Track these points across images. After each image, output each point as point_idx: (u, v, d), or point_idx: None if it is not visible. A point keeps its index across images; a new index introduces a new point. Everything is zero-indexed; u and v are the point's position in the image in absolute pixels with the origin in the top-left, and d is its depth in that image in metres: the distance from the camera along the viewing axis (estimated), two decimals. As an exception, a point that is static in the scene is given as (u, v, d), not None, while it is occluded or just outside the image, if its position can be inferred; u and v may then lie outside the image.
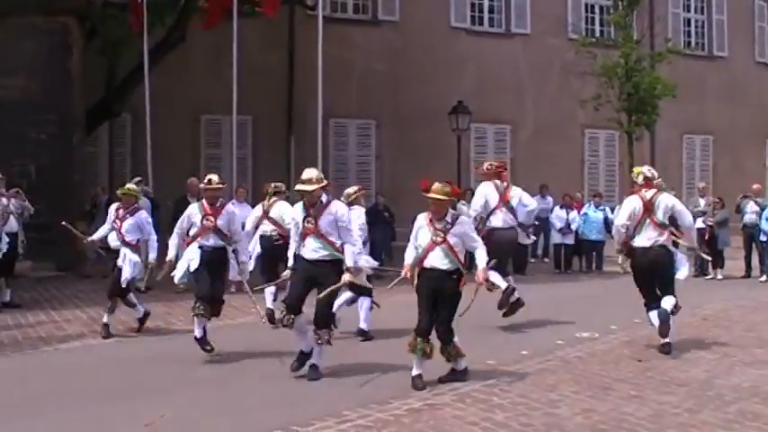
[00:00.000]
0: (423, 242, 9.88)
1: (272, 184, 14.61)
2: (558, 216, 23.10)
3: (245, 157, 26.64)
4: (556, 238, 23.31)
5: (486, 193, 13.73)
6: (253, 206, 18.61)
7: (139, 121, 21.76)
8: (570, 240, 22.89)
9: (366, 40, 29.30)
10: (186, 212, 11.89)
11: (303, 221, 10.20)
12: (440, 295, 9.75)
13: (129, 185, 13.96)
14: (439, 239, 9.77)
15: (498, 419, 8.40)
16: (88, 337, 13.24)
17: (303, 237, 10.20)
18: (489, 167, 14.13)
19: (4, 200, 15.84)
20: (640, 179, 12.16)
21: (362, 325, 13.04)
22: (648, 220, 11.81)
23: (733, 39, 36.20)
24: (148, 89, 20.14)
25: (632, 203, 11.99)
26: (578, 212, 23.07)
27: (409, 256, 10.00)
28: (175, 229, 11.91)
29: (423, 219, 10.04)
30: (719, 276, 20.95)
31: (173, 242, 11.82)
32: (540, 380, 10.06)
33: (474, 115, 27.41)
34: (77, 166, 21.40)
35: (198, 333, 11.25)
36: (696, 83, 33.26)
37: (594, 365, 10.93)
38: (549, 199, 24.63)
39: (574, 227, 22.79)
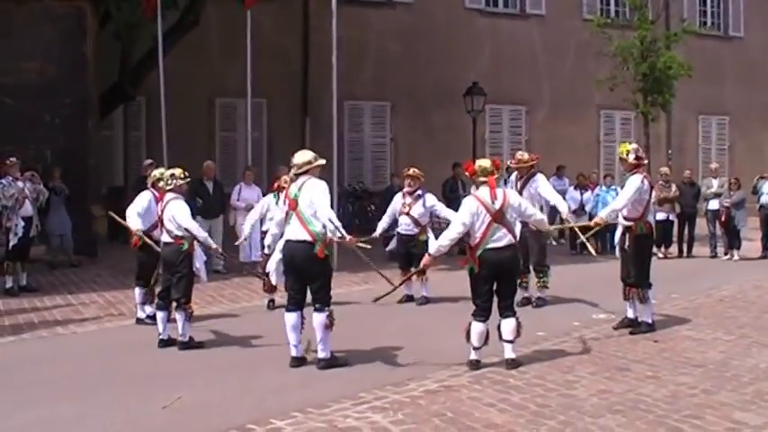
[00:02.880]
0: None
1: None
2: (572, 197, 22.92)
3: (260, 139, 26.62)
4: (570, 219, 23.12)
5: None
6: (263, 189, 18.63)
7: (154, 105, 21.73)
8: (584, 221, 22.72)
9: (381, 22, 29.20)
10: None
11: None
12: None
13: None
14: None
15: (515, 401, 8.41)
16: (104, 320, 13.30)
17: None
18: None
19: (20, 183, 15.88)
20: (632, 158, 12.01)
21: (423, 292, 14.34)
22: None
23: (749, 19, 36.04)
24: (163, 72, 20.12)
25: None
26: (593, 193, 22.91)
27: None
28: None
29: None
30: (736, 257, 20.86)
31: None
32: (557, 361, 10.06)
33: (489, 96, 27.29)
34: (93, 150, 21.40)
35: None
36: (712, 63, 33.10)
37: (611, 347, 10.92)
38: (566, 180, 24.52)
39: (588, 207, 22.65)
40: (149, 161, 18.91)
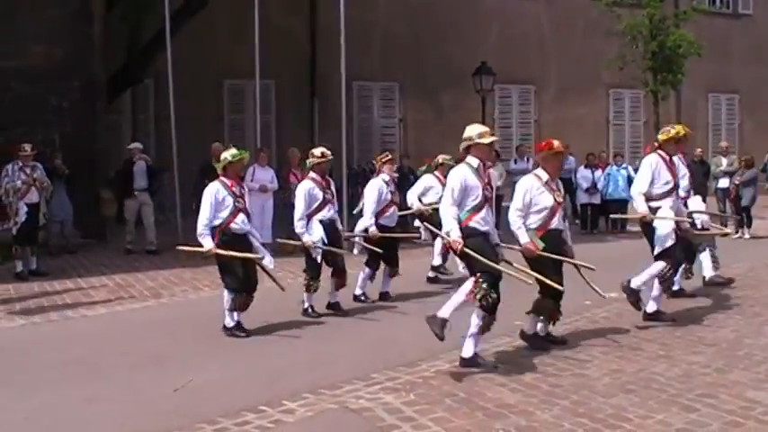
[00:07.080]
0: (547, 204, 9.64)
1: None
2: (584, 176, 22.97)
3: (269, 121, 26.59)
4: (582, 198, 23.17)
5: None
6: (275, 170, 18.80)
7: (162, 87, 21.67)
8: (597, 200, 22.79)
9: (388, 2, 29.12)
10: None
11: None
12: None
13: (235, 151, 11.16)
14: (561, 199, 9.83)
15: (527, 380, 8.39)
16: (114, 303, 13.29)
17: None
18: None
19: (28, 170, 15.85)
20: None
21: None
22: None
23: (758, -4, 35.94)
24: (171, 55, 20.06)
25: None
26: (603, 172, 22.93)
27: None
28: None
29: (535, 181, 9.74)
30: (747, 236, 20.82)
31: None
32: (569, 340, 10.03)
33: (498, 76, 27.27)
34: (101, 133, 21.36)
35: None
36: (721, 41, 32.99)
37: (623, 326, 10.90)
38: (571, 159, 24.48)
39: (600, 185, 22.68)
40: (136, 144, 19.09)
